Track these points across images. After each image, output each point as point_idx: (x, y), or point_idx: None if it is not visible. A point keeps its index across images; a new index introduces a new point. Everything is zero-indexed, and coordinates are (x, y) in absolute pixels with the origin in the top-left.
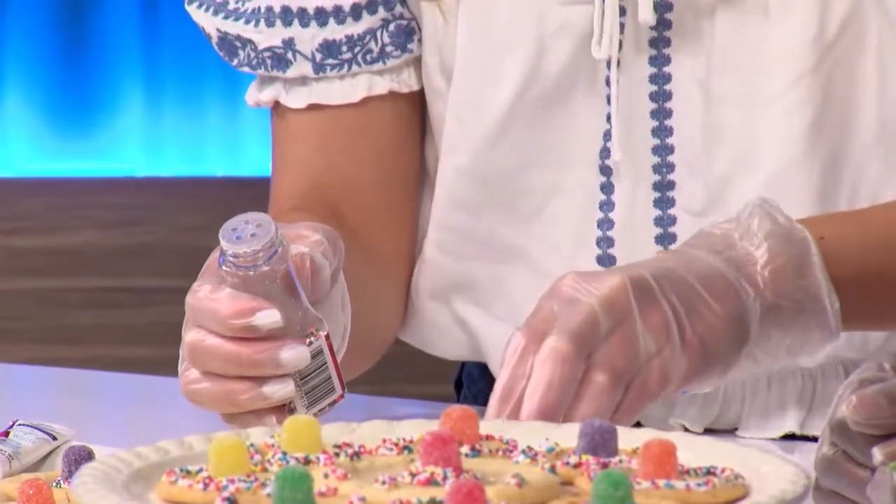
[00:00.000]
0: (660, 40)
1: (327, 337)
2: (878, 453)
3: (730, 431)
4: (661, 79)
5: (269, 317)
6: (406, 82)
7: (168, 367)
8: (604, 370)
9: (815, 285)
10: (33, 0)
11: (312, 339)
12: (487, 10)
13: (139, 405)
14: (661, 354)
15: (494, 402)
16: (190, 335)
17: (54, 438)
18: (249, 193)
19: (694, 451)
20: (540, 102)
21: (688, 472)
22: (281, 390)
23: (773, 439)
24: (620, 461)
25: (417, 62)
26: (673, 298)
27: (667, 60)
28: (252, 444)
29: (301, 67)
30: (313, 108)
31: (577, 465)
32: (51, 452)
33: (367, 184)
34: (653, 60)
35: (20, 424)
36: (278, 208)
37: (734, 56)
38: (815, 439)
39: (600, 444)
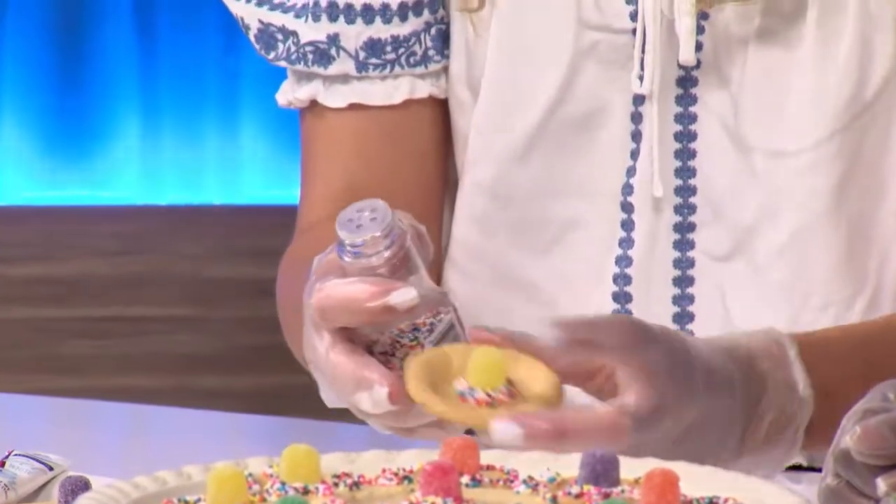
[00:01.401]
0: (687, 79)
1: (455, 310)
2: (882, 484)
3: None
4: (686, 118)
5: (405, 294)
6: (443, 88)
7: (165, 396)
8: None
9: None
10: (29, 26)
11: (442, 315)
12: (521, 27)
13: (136, 435)
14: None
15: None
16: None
17: (50, 469)
18: (249, 222)
19: (697, 481)
20: (566, 127)
21: (690, 502)
22: (406, 294)
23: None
24: (622, 491)
25: None
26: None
27: (693, 100)
28: (250, 474)
29: (344, 65)
30: (354, 108)
31: (579, 496)
32: (47, 483)
33: (403, 190)
34: (679, 99)
35: (16, 455)
36: (314, 215)
37: (763, 101)
38: (820, 470)
39: (602, 473)
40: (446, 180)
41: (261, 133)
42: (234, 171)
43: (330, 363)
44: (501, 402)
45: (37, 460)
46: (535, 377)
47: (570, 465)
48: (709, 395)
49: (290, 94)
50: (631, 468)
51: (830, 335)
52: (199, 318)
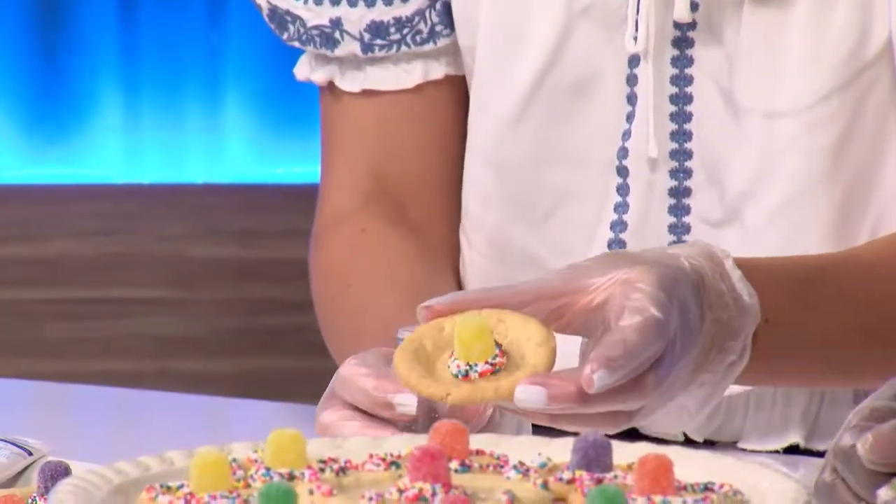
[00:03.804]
0: (683, 40)
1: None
2: (883, 495)
3: (731, 444)
4: (682, 80)
5: (405, 399)
6: (461, 66)
7: (147, 380)
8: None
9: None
10: (7, 0)
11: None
12: None
13: (118, 419)
14: None
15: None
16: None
17: (30, 454)
18: (232, 201)
19: (691, 465)
20: (559, 92)
21: (685, 487)
22: (406, 400)
23: (777, 452)
24: (615, 477)
25: None
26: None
27: (689, 62)
28: (235, 460)
29: (349, 46)
30: (368, 94)
31: (571, 481)
32: (26, 468)
33: (429, 174)
34: (675, 61)
35: None
36: (341, 200)
37: (759, 62)
38: (819, 454)
39: (594, 459)
40: None
41: (245, 109)
42: (218, 149)
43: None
44: (502, 366)
45: (16, 445)
46: (527, 332)
47: (561, 449)
48: (682, 316)
49: (308, 71)
50: (624, 453)
51: (772, 261)
52: (183, 300)
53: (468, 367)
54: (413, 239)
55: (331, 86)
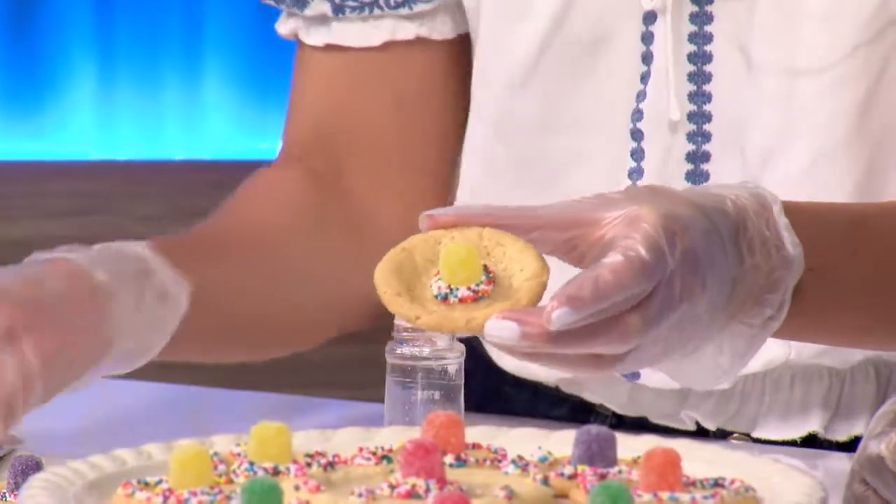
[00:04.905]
0: None
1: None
2: None
3: (745, 434)
4: (701, 38)
5: None
6: (439, 29)
7: None
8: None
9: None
10: None
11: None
12: None
13: (91, 410)
14: None
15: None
16: None
17: None
18: (211, 178)
19: (700, 460)
20: (569, 53)
21: (693, 483)
22: None
23: (794, 443)
24: (620, 472)
25: (458, 7)
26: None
27: (708, 18)
28: (216, 453)
29: (320, 6)
30: (330, 49)
31: (573, 476)
32: None
33: (378, 138)
34: (693, 18)
35: None
36: (286, 154)
37: (780, 17)
38: (839, 445)
39: (597, 452)
40: (452, 135)
41: (225, 81)
42: (198, 123)
43: None
44: (486, 293)
45: None
46: (522, 262)
47: (562, 442)
48: (711, 267)
49: (280, 27)
50: (629, 447)
51: (817, 206)
52: None
53: (448, 291)
54: (338, 196)
55: (299, 40)
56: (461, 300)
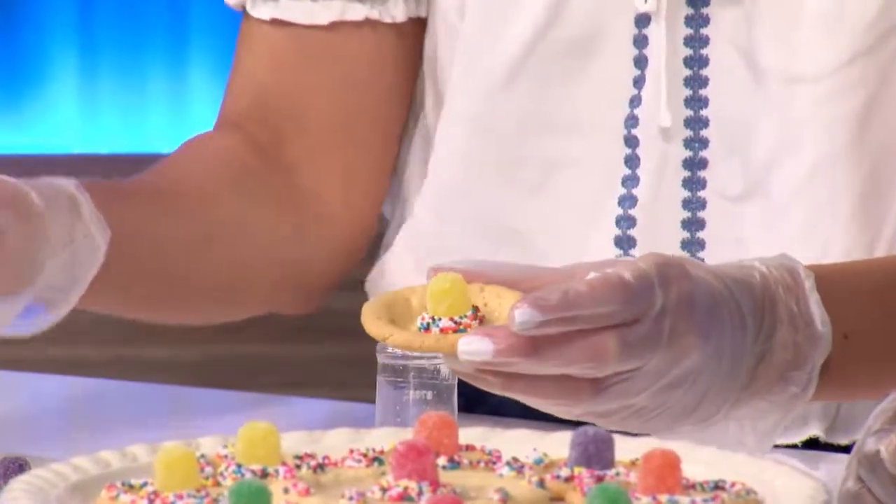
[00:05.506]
0: None
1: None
2: None
3: None
4: (697, 41)
5: None
6: (390, 12)
7: (109, 367)
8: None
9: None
10: None
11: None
12: None
13: (75, 411)
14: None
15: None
16: None
17: None
18: None
19: (700, 462)
20: (557, 53)
21: (693, 486)
22: None
23: (795, 446)
24: (617, 474)
25: None
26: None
27: (705, 21)
28: (203, 455)
29: None
30: (276, 24)
31: (569, 479)
32: None
33: (322, 116)
34: (689, 20)
35: None
36: (223, 120)
37: (779, 22)
38: (840, 448)
39: (595, 454)
40: (397, 118)
41: (211, 73)
42: (184, 115)
43: None
44: (468, 327)
45: None
46: (507, 299)
47: (559, 444)
48: (714, 326)
49: None
50: (627, 448)
51: (848, 269)
52: None
53: (431, 321)
54: (278, 168)
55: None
56: (442, 330)
